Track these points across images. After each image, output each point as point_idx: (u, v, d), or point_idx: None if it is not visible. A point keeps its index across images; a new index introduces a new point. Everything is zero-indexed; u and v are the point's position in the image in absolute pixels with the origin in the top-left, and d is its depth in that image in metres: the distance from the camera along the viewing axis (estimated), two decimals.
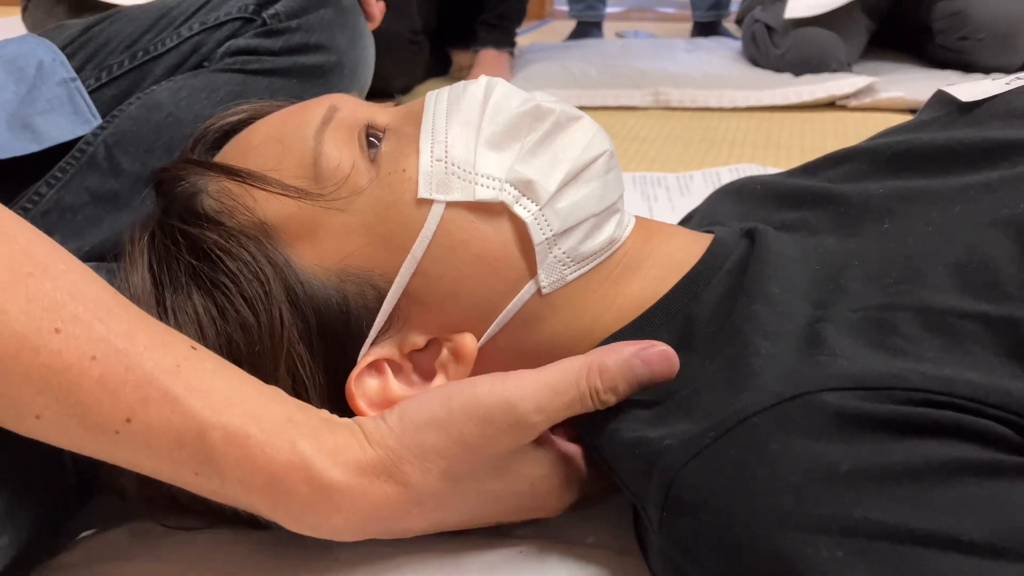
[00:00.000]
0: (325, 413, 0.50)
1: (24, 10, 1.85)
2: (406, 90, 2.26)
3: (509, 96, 0.57)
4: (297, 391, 0.52)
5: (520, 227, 0.54)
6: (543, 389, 0.49)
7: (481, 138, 0.55)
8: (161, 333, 0.48)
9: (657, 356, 0.50)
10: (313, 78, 0.94)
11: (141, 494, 0.53)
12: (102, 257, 0.81)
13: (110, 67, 0.90)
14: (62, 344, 0.43)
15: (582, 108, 2.13)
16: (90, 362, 0.44)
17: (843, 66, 2.10)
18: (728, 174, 1.46)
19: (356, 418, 0.51)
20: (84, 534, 0.60)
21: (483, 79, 0.59)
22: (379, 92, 1.41)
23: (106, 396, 0.44)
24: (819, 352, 0.45)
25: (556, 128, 0.56)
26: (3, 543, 0.50)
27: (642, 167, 1.59)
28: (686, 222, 0.76)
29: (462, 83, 0.59)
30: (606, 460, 0.52)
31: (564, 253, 0.55)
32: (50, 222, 0.81)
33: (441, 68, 2.50)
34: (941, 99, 0.66)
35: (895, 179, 0.59)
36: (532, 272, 0.55)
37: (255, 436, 0.46)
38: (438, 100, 0.58)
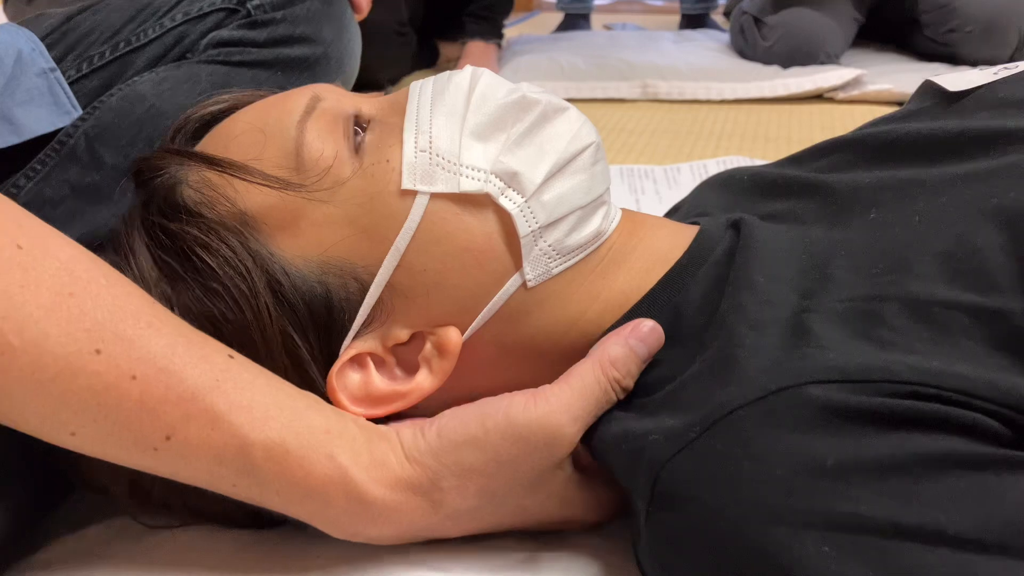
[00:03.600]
0: (362, 421, 0.51)
1: (5, 0, 1.83)
2: (393, 82, 2.24)
3: (495, 86, 0.57)
4: (304, 380, 0.52)
5: (505, 219, 0.54)
6: (573, 399, 0.50)
7: (466, 129, 0.55)
8: (200, 344, 0.48)
9: (647, 332, 0.53)
10: (298, 70, 0.93)
11: (130, 494, 0.53)
12: None
13: (91, 58, 0.89)
14: (102, 365, 0.44)
15: (570, 100, 2.12)
16: (130, 382, 0.44)
17: (831, 58, 2.10)
18: (716, 166, 1.46)
19: (394, 427, 0.51)
20: (62, 531, 0.59)
21: (468, 69, 0.58)
22: (366, 84, 1.40)
23: (146, 415, 0.44)
24: (805, 344, 0.45)
25: (542, 119, 0.55)
26: None
27: (630, 159, 1.58)
28: (673, 213, 0.75)
29: (447, 73, 0.58)
30: (601, 458, 0.51)
31: (550, 246, 0.54)
32: None
33: (429, 60, 2.49)
34: (928, 89, 0.65)
35: (882, 169, 0.58)
36: (517, 265, 0.54)
37: (294, 450, 0.47)
38: (423, 90, 0.57)
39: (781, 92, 1.99)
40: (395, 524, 0.49)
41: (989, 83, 0.60)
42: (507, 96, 0.56)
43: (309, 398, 0.50)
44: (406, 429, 0.50)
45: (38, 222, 0.47)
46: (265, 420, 0.47)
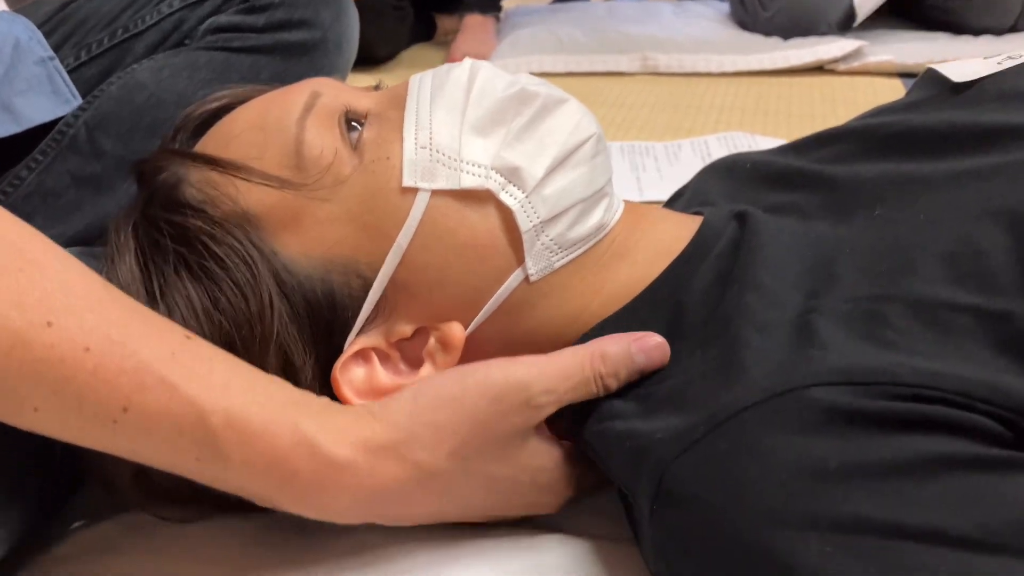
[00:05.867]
0: (326, 399, 0.51)
1: None
2: (391, 56, 2.23)
3: (494, 80, 0.57)
4: (290, 378, 0.52)
5: (507, 215, 0.54)
6: (552, 372, 0.51)
7: (466, 124, 0.54)
8: (155, 322, 0.48)
9: (653, 346, 0.52)
10: (297, 55, 0.92)
11: (134, 486, 0.53)
12: (86, 242, 0.80)
13: (89, 46, 0.89)
14: (55, 337, 0.44)
15: (569, 74, 2.10)
16: (84, 353, 0.44)
17: (831, 29, 2.09)
18: (716, 142, 1.45)
19: (363, 403, 0.51)
20: (76, 525, 0.59)
21: (467, 62, 0.58)
22: (364, 60, 1.39)
23: (101, 386, 0.44)
24: (810, 345, 0.45)
25: (542, 112, 0.55)
26: None
27: (630, 135, 1.58)
28: (675, 200, 0.75)
29: (446, 66, 0.58)
30: (596, 453, 0.52)
31: (552, 240, 0.55)
32: (32, 206, 0.80)
33: (426, 34, 2.47)
34: (931, 79, 0.65)
35: (886, 162, 0.58)
36: (519, 260, 0.54)
37: (256, 417, 0.46)
38: (422, 84, 0.57)
39: (781, 64, 1.97)
40: (363, 489, 0.48)
41: (992, 74, 0.60)
42: (506, 90, 0.56)
43: (272, 377, 0.50)
44: (375, 402, 0.51)
45: None
46: (224, 390, 0.46)
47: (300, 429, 0.47)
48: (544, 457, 0.53)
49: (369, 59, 2.05)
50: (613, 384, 0.52)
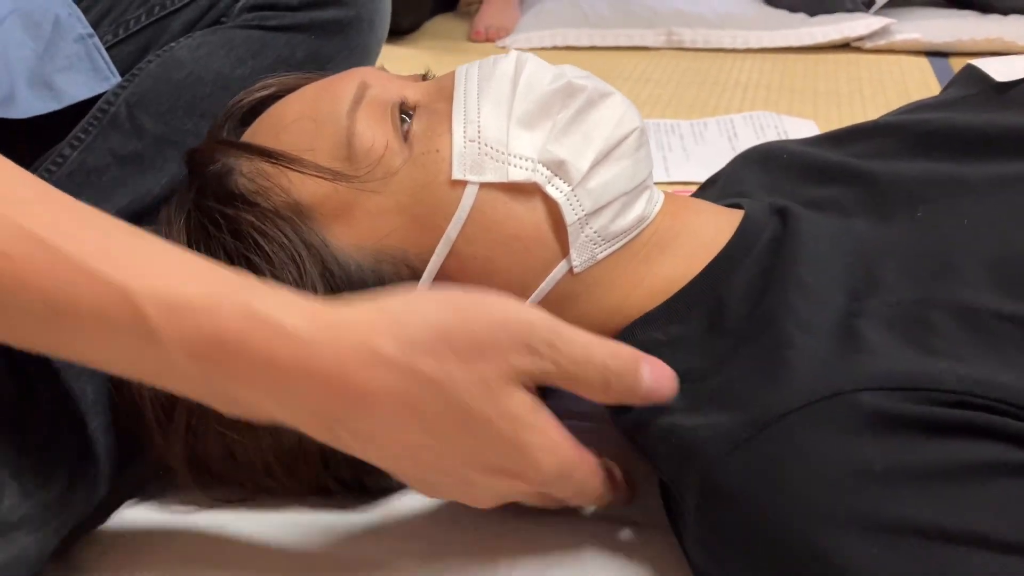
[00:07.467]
0: None
1: None
2: (415, 27, 2.23)
3: (540, 72, 0.57)
4: None
5: (552, 207, 0.55)
6: (562, 331, 0.47)
7: (513, 117, 0.55)
8: (92, 220, 0.45)
9: (666, 375, 0.48)
10: (331, 33, 0.93)
11: (188, 468, 0.55)
12: (131, 219, 0.81)
13: (127, 23, 0.89)
14: None
15: (594, 48, 2.09)
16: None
17: (858, 6, 2.07)
18: (743, 122, 1.45)
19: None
20: (133, 500, 0.61)
21: (513, 54, 0.58)
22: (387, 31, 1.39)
23: (21, 291, 0.42)
24: (855, 350, 0.46)
25: (588, 105, 0.56)
26: (55, 526, 0.52)
27: (656, 111, 1.58)
28: (708, 187, 0.75)
29: (492, 58, 0.59)
30: (638, 443, 0.53)
31: (595, 232, 0.55)
32: (75, 184, 0.80)
33: (449, 4, 2.46)
34: (972, 75, 0.65)
35: (927, 160, 0.59)
36: (564, 252, 0.55)
37: (196, 299, 0.42)
38: (468, 77, 0.57)
39: (807, 41, 1.96)
40: (321, 374, 0.43)
41: None
42: (553, 82, 0.56)
43: (238, 271, 0.46)
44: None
45: None
46: (158, 276, 0.42)
47: (252, 308, 0.43)
48: (531, 415, 0.47)
49: (393, 30, 2.04)
50: (608, 386, 0.47)
